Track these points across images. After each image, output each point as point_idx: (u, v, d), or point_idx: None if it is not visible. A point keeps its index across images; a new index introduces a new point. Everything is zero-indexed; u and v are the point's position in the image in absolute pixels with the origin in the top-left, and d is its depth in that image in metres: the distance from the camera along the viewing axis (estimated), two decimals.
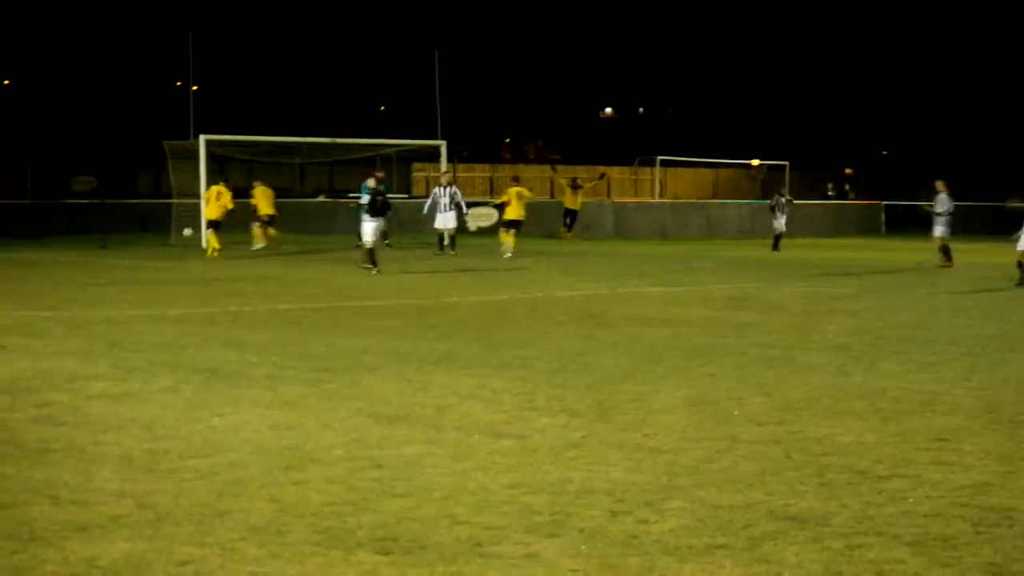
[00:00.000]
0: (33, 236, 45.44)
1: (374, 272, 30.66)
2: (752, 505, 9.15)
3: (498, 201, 42.53)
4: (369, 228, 31.69)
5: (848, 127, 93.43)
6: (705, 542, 8.26)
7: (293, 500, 9.20)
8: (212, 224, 39.23)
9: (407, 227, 47.20)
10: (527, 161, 78.69)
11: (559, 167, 64.84)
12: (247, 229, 41.42)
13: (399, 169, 58.64)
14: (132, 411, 12.51)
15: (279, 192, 46.83)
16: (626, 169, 73.26)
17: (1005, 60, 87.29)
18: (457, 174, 49.18)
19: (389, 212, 44.49)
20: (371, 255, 31.26)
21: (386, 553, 8.00)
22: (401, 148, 53.87)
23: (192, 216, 42.84)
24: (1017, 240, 29.51)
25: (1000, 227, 42.41)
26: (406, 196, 56.41)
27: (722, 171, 76.52)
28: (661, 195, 69.03)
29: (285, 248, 41.40)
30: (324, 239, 46.06)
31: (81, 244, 42.75)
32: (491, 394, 13.60)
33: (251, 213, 41.36)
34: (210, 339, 18.08)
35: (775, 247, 45.19)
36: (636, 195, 70.17)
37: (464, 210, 40.86)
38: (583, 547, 8.15)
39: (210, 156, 44.55)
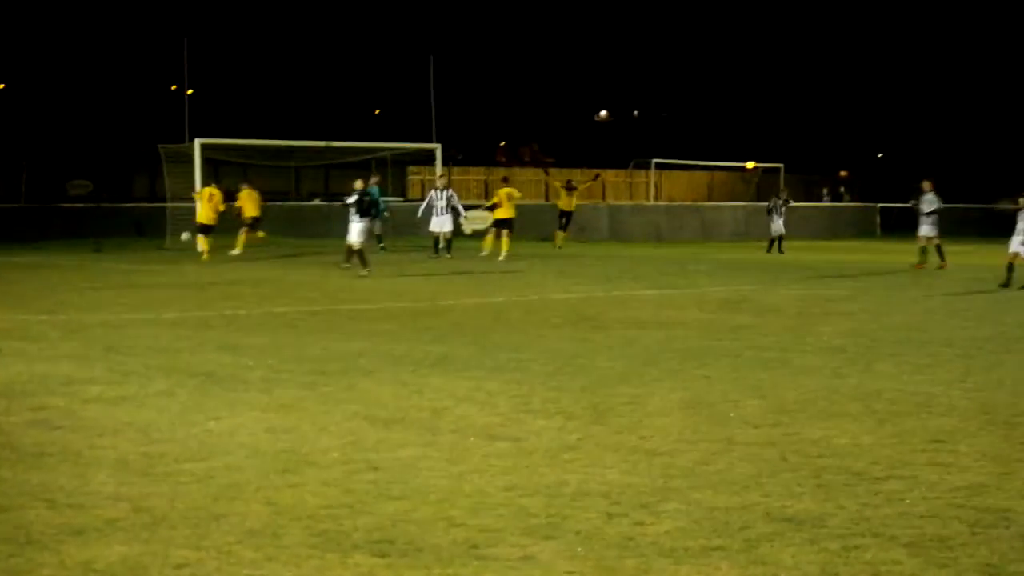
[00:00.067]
0: (28, 240, 45.43)
1: (364, 273, 30.61)
2: (748, 507, 9.15)
3: (490, 203, 42.64)
4: (356, 229, 31.64)
5: (843, 129, 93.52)
6: (701, 544, 8.26)
7: (289, 503, 9.20)
8: (204, 228, 39.17)
9: (402, 230, 47.22)
10: (522, 164, 78.82)
11: (552, 170, 64.93)
12: (234, 233, 41.20)
13: (394, 172, 58.71)
14: (128, 415, 12.50)
15: (275, 196, 46.88)
16: (621, 172, 73.39)
17: (998, 62, 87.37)
18: (452, 177, 49.16)
19: (386, 214, 44.70)
20: (360, 256, 31.22)
21: (382, 556, 7.99)
22: (396, 151, 53.92)
23: (187, 220, 42.81)
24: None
25: (992, 228, 42.50)
26: (401, 199, 56.49)
27: (717, 174, 76.68)
28: (656, 198, 69.17)
29: (281, 251, 41.38)
30: (320, 242, 46.04)
31: (76, 248, 42.74)
32: (487, 397, 13.60)
33: (235, 216, 41.20)
34: (206, 343, 18.07)
35: (769, 249, 45.21)
36: (631, 198, 70.30)
37: (462, 213, 40.95)
38: (579, 549, 8.15)
39: (205, 160, 44.51)
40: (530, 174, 71.47)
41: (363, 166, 52.17)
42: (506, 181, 45.17)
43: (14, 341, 18.07)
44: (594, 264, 38.01)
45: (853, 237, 62.32)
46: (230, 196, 41.16)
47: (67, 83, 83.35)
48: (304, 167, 59.81)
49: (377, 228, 43.26)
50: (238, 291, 27.40)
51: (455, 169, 63.66)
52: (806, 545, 8.24)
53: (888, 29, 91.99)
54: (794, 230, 47.34)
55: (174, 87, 68.61)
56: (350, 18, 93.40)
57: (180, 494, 9.44)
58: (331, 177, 63.85)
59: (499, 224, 40.30)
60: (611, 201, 66.60)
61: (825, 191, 77.58)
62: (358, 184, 32.39)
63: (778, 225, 45.74)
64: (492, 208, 41.32)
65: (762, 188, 71.83)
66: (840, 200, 76.34)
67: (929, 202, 36.82)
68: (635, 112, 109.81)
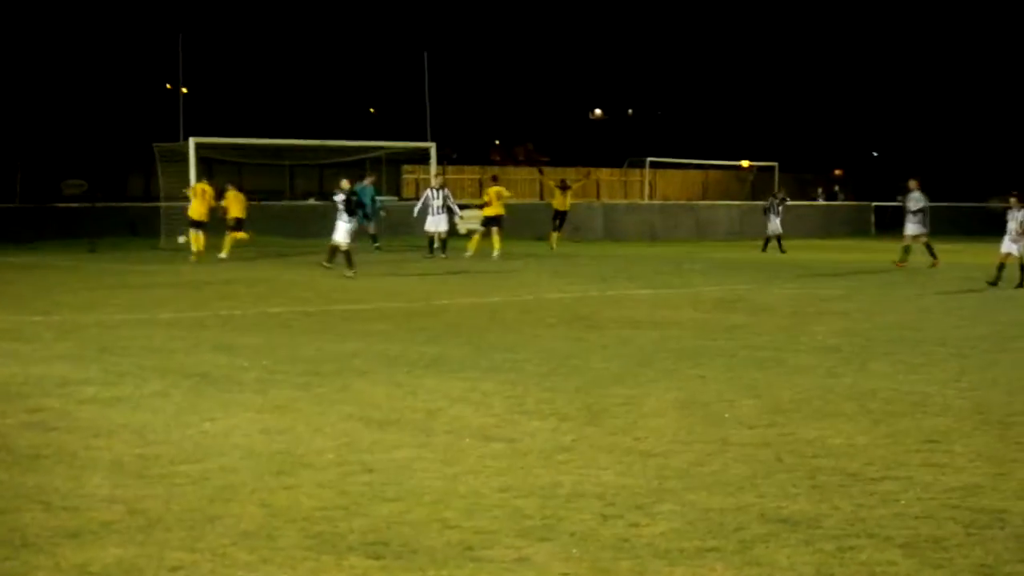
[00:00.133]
0: (23, 240, 45.35)
1: (350, 274, 30.49)
2: (743, 508, 9.15)
3: (480, 202, 42.76)
4: (344, 229, 31.54)
5: (837, 128, 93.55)
6: (696, 545, 8.27)
7: (284, 505, 9.20)
8: (198, 224, 39.13)
9: (397, 230, 47.19)
10: (516, 163, 78.77)
11: (546, 169, 64.92)
12: (223, 233, 41.00)
13: (389, 171, 58.67)
14: (123, 416, 12.50)
15: (269, 195, 46.74)
16: (615, 171, 73.32)
17: (993, 61, 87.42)
18: (446, 176, 49.09)
19: (382, 213, 44.70)
20: (347, 257, 31.12)
21: (377, 557, 8.00)
22: (391, 150, 53.88)
23: (181, 220, 42.72)
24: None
25: (984, 227, 42.53)
26: (396, 198, 56.45)
27: (712, 172, 76.61)
28: (651, 197, 69.10)
29: (275, 251, 41.36)
30: (314, 242, 45.93)
31: (71, 248, 42.70)
32: (481, 397, 13.60)
33: (221, 215, 41.01)
34: (200, 343, 18.06)
35: (765, 248, 45.22)
36: (625, 197, 70.23)
37: (457, 213, 41.07)
38: (574, 551, 8.15)
39: (199, 159, 44.45)
40: (525, 173, 71.42)
41: (358, 165, 52.14)
42: (495, 180, 45.24)
43: (8, 342, 18.07)
44: (589, 263, 38.01)
45: (848, 236, 62.36)
46: (220, 195, 41.07)
47: (61, 82, 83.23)
48: (298, 166, 59.73)
49: (372, 228, 43.32)
50: (233, 291, 27.39)
51: (450, 168, 63.57)
52: (801, 546, 8.24)
53: (882, 27, 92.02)
54: (789, 229, 47.35)
55: (169, 86, 68.51)
56: (344, 16, 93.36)
57: (175, 496, 9.44)
58: (325, 176, 63.73)
59: (488, 222, 40.46)
60: (605, 200, 66.54)
61: (819, 190, 77.56)
62: (344, 184, 32.31)
63: (775, 224, 45.72)
64: (481, 207, 41.57)
65: (757, 187, 71.84)
66: (835, 199, 76.32)
67: (915, 200, 36.86)
68: (629, 111, 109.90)
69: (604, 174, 72.29)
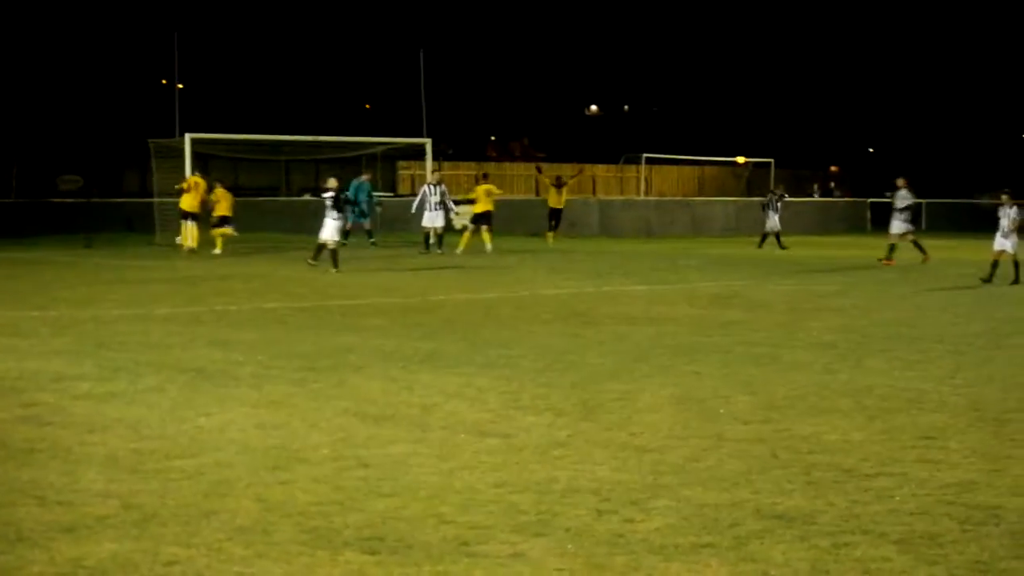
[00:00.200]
0: (19, 235, 45.32)
1: (333, 271, 30.45)
2: (738, 504, 9.15)
3: (466, 198, 42.85)
4: (332, 227, 31.46)
5: (834, 124, 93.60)
6: (691, 541, 8.26)
7: (279, 500, 9.19)
8: (191, 216, 39.13)
9: (393, 225, 47.19)
10: (512, 159, 78.74)
11: (543, 165, 64.92)
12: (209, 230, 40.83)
13: (385, 167, 58.65)
14: (118, 411, 12.49)
15: (265, 191, 46.65)
16: (611, 167, 73.37)
17: (989, 59, 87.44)
18: (442, 172, 49.11)
19: (378, 209, 44.69)
20: (333, 256, 31.06)
21: (372, 553, 7.99)
22: (387, 146, 53.86)
23: (177, 216, 42.64)
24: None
25: (980, 224, 42.53)
26: (392, 194, 56.45)
27: (707, 168, 76.65)
28: (646, 193, 69.13)
29: (270, 246, 41.33)
30: (310, 238, 45.80)
31: (67, 244, 42.66)
32: (477, 393, 13.60)
33: (209, 209, 40.85)
34: (196, 338, 18.05)
35: (761, 245, 45.22)
36: (621, 193, 70.29)
37: (452, 209, 41.17)
38: (569, 546, 8.15)
39: (195, 154, 44.40)
40: (521, 169, 71.49)
41: (354, 161, 52.16)
42: (486, 178, 45.30)
43: (4, 337, 18.07)
44: (584, 260, 38.00)
45: (844, 232, 62.35)
46: (209, 190, 40.98)
47: (57, 78, 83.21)
48: (294, 161, 59.71)
49: (368, 223, 43.36)
50: (228, 287, 27.38)
51: (446, 164, 63.65)
52: (796, 542, 8.24)
53: (878, 24, 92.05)
54: (785, 225, 47.32)
55: (164, 82, 68.50)
56: (340, 12, 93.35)
57: (170, 491, 9.43)
58: (321, 172, 63.76)
59: (477, 219, 40.63)
60: (601, 196, 66.58)
61: (815, 186, 77.63)
62: (332, 182, 32.22)
63: (774, 221, 45.72)
64: (470, 203, 41.80)
65: (753, 183, 71.87)
66: (830, 195, 76.37)
67: (902, 198, 36.87)
68: (625, 107, 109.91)
69: (600, 170, 72.36)
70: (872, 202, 68.56)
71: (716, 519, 8.75)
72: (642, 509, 9.00)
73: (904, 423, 12.15)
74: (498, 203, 42.84)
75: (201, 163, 47.73)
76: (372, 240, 42.93)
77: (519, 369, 15.31)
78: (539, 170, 63.08)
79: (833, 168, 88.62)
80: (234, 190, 43.39)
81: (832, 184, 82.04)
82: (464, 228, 41.86)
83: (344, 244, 33.24)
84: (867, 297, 25.98)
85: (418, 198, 41.26)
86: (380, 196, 47.91)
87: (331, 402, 13.02)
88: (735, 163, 74.39)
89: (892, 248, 36.24)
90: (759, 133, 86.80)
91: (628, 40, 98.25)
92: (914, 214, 36.81)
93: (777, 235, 45.27)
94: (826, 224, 64.72)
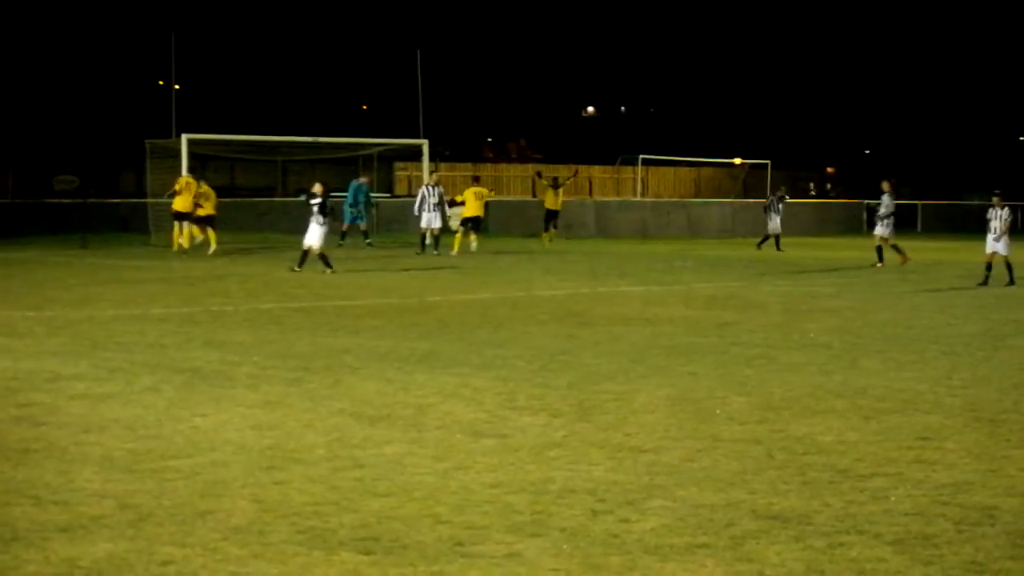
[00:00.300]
0: (14, 236, 45.29)
1: (329, 273, 30.34)
2: (734, 504, 9.15)
3: (456, 200, 42.89)
4: (318, 233, 31.22)
5: (830, 126, 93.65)
6: (687, 541, 8.27)
7: (275, 500, 9.19)
8: (183, 216, 39.12)
9: (389, 226, 47.21)
10: (509, 160, 78.72)
11: (540, 167, 64.90)
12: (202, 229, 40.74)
13: (381, 168, 58.65)
14: (113, 411, 12.49)
15: (261, 192, 46.58)
16: (608, 168, 73.38)
17: (985, 62, 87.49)
18: (439, 174, 49.12)
19: (374, 210, 44.69)
20: (324, 259, 30.91)
21: (368, 553, 7.99)
22: (383, 147, 53.86)
23: (170, 216, 42.60)
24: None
25: (974, 225, 42.53)
26: (388, 195, 56.47)
27: (704, 170, 76.66)
28: (643, 194, 69.16)
29: (267, 247, 41.30)
30: None
31: (63, 244, 42.61)
32: (472, 393, 13.59)
33: (194, 208, 40.60)
34: (192, 339, 18.05)
35: (760, 246, 45.22)
36: (618, 194, 70.28)
37: (448, 211, 41.31)
38: (565, 546, 8.15)
39: (191, 155, 44.37)
40: (517, 170, 71.47)
41: (350, 162, 52.18)
42: (476, 180, 45.38)
43: (0, 337, 18.04)
44: (580, 260, 38.00)
45: (840, 233, 62.40)
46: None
47: (54, 78, 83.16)
48: (290, 162, 59.68)
49: (364, 224, 43.44)
50: (224, 287, 27.37)
51: (442, 165, 63.63)
52: (791, 543, 8.24)
53: (875, 26, 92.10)
54: (783, 227, 47.33)
55: (161, 82, 68.47)
56: (337, 13, 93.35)
57: (166, 491, 9.43)
58: (318, 173, 63.77)
59: (466, 222, 40.81)
60: (598, 197, 66.60)
61: (811, 185, 77.66)
62: (318, 188, 31.96)
63: (775, 223, 45.68)
64: (458, 204, 41.94)
65: (749, 185, 71.91)
66: (826, 196, 76.40)
67: (884, 204, 36.87)
68: (622, 108, 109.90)
69: (596, 171, 72.35)
70: (868, 203, 68.67)
71: (712, 519, 8.76)
72: (638, 509, 9.00)
73: (899, 424, 12.15)
74: (494, 204, 42.99)
75: (198, 164, 47.71)
76: (368, 241, 42.95)
77: (515, 370, 15.31)
78: (539, 175, 63.14)
79: (829, 169, 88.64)
80: (231, 191, 43.43)
81: (828, 185, 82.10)
82: (458, 230, 41.94)
83: (340, 245, 33.28)
84: (862, 298, 25.99)
85: (418, 199, 41.30)
86: (376, 197, 47.92)
87: (327, 402, 13.01)
88: (732, 164, 74.43)
89: (879, 250, 36.23)
90: (756, 135, 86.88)
91: (625, 41, 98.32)
92: (896, 219, 36.80)
93: (776, 237, 45.26)
94: (822, 225, 64.77)
